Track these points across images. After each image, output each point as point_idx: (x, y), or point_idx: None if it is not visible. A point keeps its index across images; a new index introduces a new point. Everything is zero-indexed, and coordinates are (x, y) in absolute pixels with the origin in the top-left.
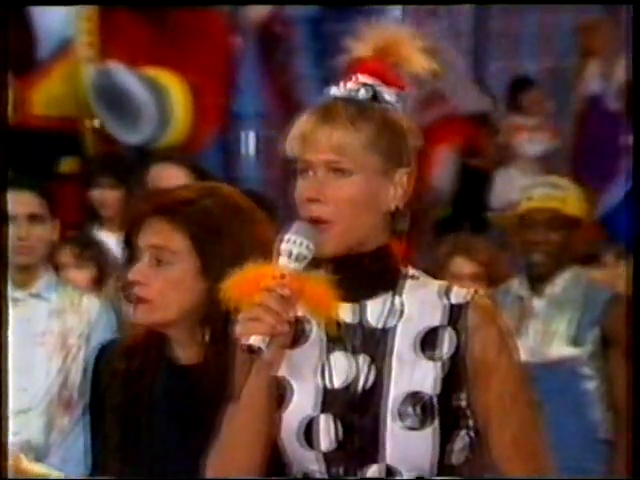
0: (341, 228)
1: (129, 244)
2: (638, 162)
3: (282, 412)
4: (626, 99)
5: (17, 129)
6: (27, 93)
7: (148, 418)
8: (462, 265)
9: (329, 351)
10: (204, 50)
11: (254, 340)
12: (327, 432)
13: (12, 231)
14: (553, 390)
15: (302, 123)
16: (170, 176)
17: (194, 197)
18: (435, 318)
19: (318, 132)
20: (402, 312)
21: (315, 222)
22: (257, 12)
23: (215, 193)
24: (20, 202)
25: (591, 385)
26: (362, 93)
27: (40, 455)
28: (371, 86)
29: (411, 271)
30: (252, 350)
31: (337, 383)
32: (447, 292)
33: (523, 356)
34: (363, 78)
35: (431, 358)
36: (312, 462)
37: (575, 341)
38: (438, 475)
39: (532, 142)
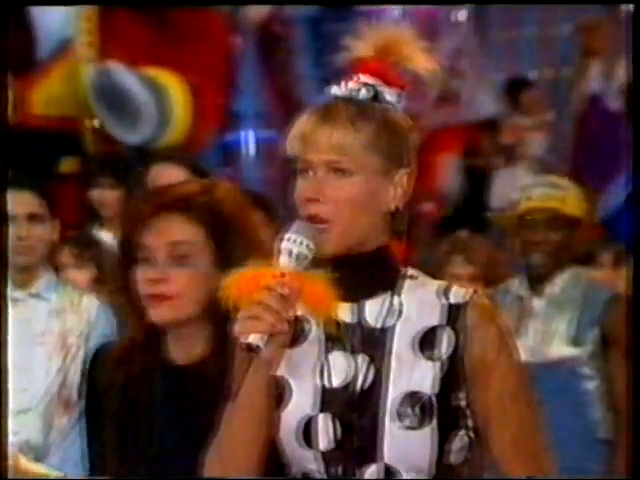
0: (341, 228)
1: (131, 245)
2: (638, 162)
3: (281, 411)
4: (626, 99)
5: (17, 129)
6: (27, 93)
7: (146, 420)
8: (459, 265)
9: (328, 350)
10: (204, 50)
11: (253, 339)
12: (326, 431)
13: (12, 231)
14: (553, 390)
15: (303, 122)
16: (170, 176)
17: (202, 190)
18: (434, 318)
19: (319, 132)
20: (401, 312)
21: (314, 221)
22: (257, 12)
23: (219, 187)
24: (20, 202)
25: (591, 385)
26: (363, 93)
27: (39, 455)
28: (372, 86)
29: (410, 271)
30: (251, 349)
31: (336, 382)
32: (446, 292)
33: (523, 356)
34: (364, 78)
35: (430, 358)
36: (310, 461)
37: (575, 341)
38: (437, 475)
39: (532, 142)
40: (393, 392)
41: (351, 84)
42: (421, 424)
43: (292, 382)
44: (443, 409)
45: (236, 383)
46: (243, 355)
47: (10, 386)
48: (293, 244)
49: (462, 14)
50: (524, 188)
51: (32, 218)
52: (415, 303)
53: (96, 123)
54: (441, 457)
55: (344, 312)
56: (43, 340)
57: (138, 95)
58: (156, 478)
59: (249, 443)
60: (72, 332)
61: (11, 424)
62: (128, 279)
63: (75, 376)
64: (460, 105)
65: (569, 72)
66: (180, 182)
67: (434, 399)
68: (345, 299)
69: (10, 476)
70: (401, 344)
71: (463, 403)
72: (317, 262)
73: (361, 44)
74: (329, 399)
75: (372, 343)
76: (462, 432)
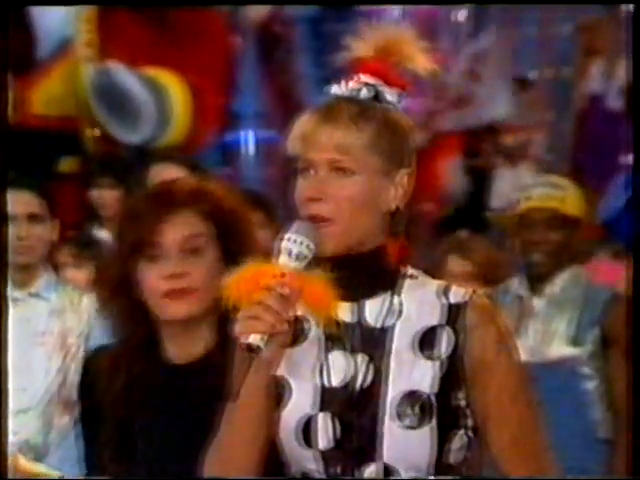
0: (341, 227)
1: (140, 243)
2: (638, 162)
3: (280, 411)
4: (626, 99)
5: (17, 129)
6: (27, 93)
7: (144, 420)
8: (457, 264)
9: (328, 350)
10: (204, 50)
11: (253, 339)
12: (325, 431)
13: (12, 231)
14: (553, 390)
15: (304, 122)
16: (170, 176)
17: (204, 186)
18: (434, 317)
19: (320, 131)
20: (401, 311)
21: (315, 220)
22: (257, 12)
23: (217, 184)
24: (20, 202)
25: (591, 385)
26: (364, 93)
27: (39, 455)
28: (373, 86)
29: (410, 271)
30: (251, 349)
31: (335, 382)
32: (446, 292)
33: (523, 356)
34: (365, 78)
35: (429, 357)
36: (310, 461)
37: (575, 341)
38: (436, 474)
39: (532, 142)
40: (393, 391)
41: (352, 84)
42: (420, 423)
43: (292, 382)
44: (443, 409)
45: (236, 383)
46: (243, 355)
47: (10, 386)
48: (293, 244)
49: (462, 14)
50: (524, 188)
51: (32, 218)
52: (415, 303)
53: (97, 132)
54: (440, 457)
55: (344, 312)
56: (43, 340)
57: (138, 95)
58: (156, 478)
59: (249, 443)
60: (72, 332)
61: (11, 424)
62: (130, 279)
63: (75, 376)
64: (475, 107)
65: (569, 72)
66: (179, 178)
67: (434, 399)
68: (345, 299)
69: (9, 476)
70: (401, 344)
71: (463, 403)
72: (317, 262)
73: (361, 44)
74: (329, 398)
75: (372, 343)
76: (461, 432)
